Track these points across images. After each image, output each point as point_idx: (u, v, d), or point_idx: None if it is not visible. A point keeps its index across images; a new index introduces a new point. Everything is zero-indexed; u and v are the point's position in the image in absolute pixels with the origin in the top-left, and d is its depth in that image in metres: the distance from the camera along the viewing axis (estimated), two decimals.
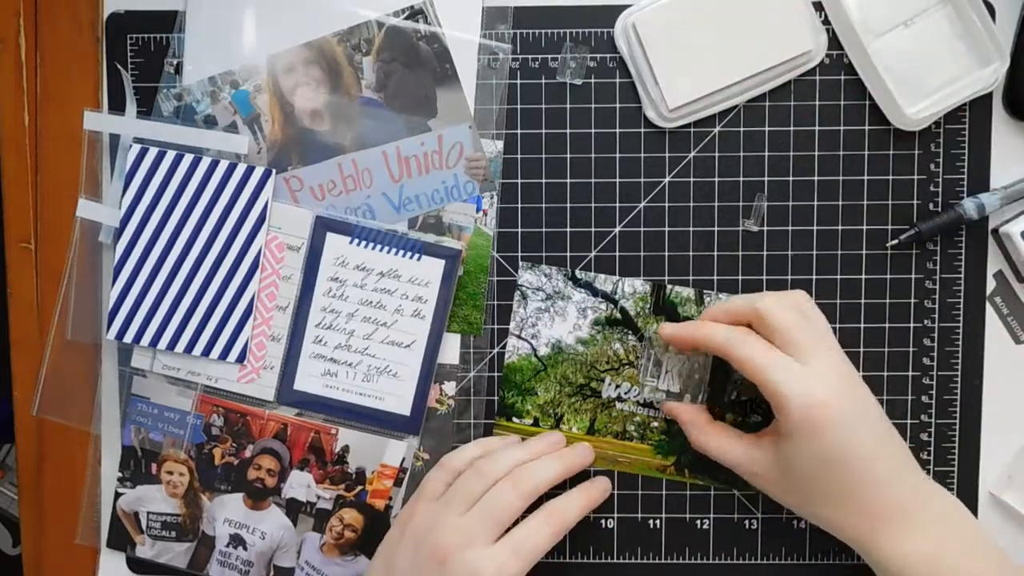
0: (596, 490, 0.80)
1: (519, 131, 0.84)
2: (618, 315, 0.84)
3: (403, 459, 0.84)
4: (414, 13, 0.82)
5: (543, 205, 0.84)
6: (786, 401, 0.71)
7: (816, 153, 0.83)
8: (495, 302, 0.85)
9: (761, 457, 0.77)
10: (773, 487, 0.77)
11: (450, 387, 0.85)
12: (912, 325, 0.84)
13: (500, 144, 0.83)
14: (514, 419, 0.85)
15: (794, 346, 0.73)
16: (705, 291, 0.84)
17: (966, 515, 0.74)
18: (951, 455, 0.84)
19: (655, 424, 0.85)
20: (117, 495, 0.86)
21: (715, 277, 0.84)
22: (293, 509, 0.85)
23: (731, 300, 0.79)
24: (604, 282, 0.84)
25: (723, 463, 0.79)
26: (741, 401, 0.84)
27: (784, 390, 0.71)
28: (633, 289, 0.84)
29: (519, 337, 0.85)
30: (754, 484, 0.78)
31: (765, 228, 0.83)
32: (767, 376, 0.72)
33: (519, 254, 0.84)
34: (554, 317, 0.85)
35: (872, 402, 0.74)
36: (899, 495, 0.72)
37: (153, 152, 0.82)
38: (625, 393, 0.85)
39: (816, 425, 0.70)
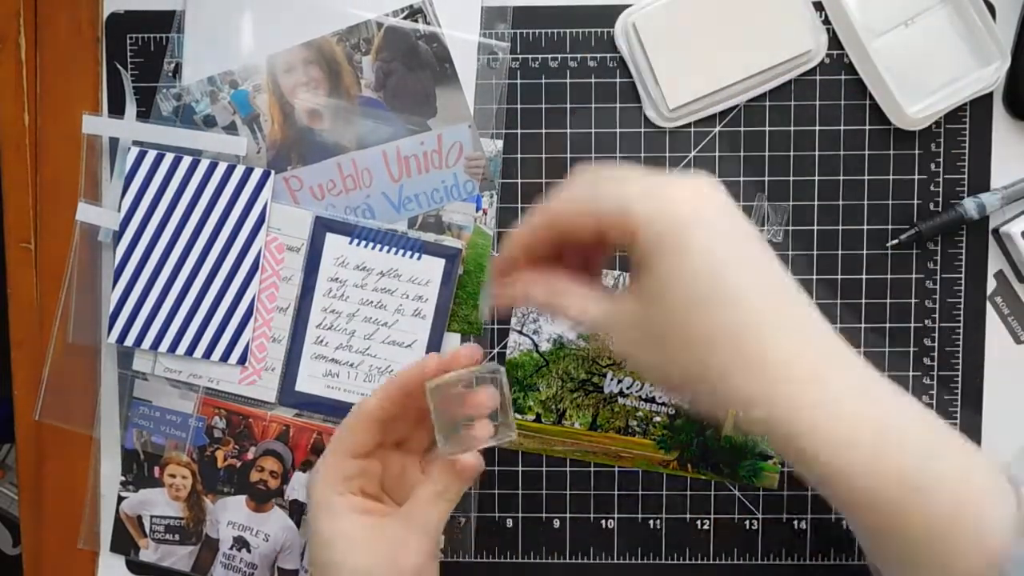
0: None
1: (519, 131, 0.84)
2: None
3: None
4: (413, 13, 0.82)
5: None
6: (635, 217, 0.53)
7: (816, 153, 0.83)
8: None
9: (627, 311, 0.56)
10: (645, 354, 0.56)
11: None
12: (913, 325, 0.84)
13: (500, 143, 0.84)
14: (516, 415, 0.86)
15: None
16: None
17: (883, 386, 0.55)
18: None
19: (658, 419, 0.85)
20: (120, 499, 0.87)
21: None
22: (296, 511, 0.85)
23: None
24: (605, 277, 0.84)
25: (585, 324, 0.58)
26: None
27: (632, 204, 0.53)
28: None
29: (520, 333, 0.85)
30: (626, 357, 0.57)
31: (765, 228, 0.83)
32: (612, 198, 0.54)
33: None
34: None
35: (755, 238, 0.55)
36: (805, 352, 0.53)
37: (152, 154, 0.82)
38: (627, 388, 0.85)
39: (676, 244, 0.52)
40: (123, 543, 0.87)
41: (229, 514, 0.86)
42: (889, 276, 0.84)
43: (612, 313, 0.57)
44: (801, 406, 0.52)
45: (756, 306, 0.52)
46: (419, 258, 0.83)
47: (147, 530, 0.87)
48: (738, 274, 0.53)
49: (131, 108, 0.84)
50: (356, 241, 0.83)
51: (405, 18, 0.82)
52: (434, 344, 0.84)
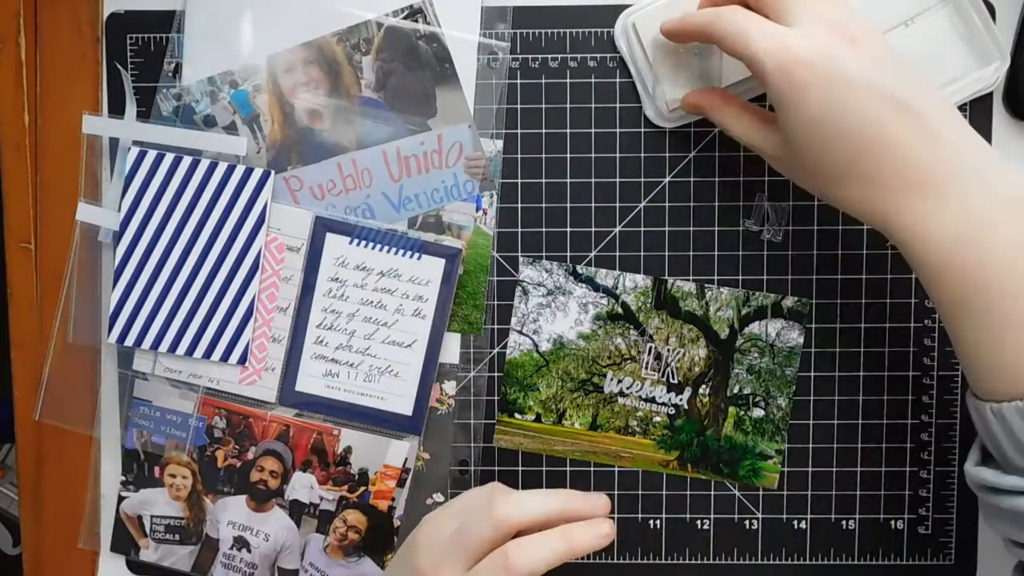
0: (582, 536, 0.68)
1: (519, 130, 0.83)
2: (619, 310, 0.84)
3: (405, 459, 0.84)
4: (413, 13, 0.82)
5: (543, 205, 0.84)
6: (760, 63, 0.66)
7: None
8: (495, 302, 0.85)
9: (774, 136, 0.72)
10: (788, 168, 0.73)
11: (450, 387, 0.85)
12: (912, 325, 0.83)
13: (500, 143, 0.83)
14: (516, 415, 0.85)
15: (781, 6, 0.67)
16: (706, 284, 0.84)
17: (1005, 177, 0.65)
18: (952, 455, 0.84)
19: (657, 419, 0.85)
20: (120, 499, 0.86)
21: (715, 276, 0.84)
22: (296, 511, 0.85)
23: None
24: (605, 277, 0.84)
25: (745, 144, 0.75)
26: (744, 395, 0.84)
27: (757, 49, 0.65)
28: (634, 284, 0.84)
29: (520, 333, 0.85)
30: (776, 168, 0.75)
31: (766, 227, 0.83)
32: (743, 41, 0.66)
33: (519, 254, 0.84)
34: (555, 312, 0.85)
35: (883, 55, 0.66)
36: (919, 164, 0.65)
37: (152, 155, 0.82)
38: (627, 388, 0.85)
39: (796, 88, 0.65)
40: (123, 543, 0.87)
41: (229, 514, 0.86)
42: (889, 276, 0.83)
43: (760, 139, 0.73)
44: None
45: (877, 146, 0.65)
46: (419, 258, 0.83)
47: (147, 530, 0.86)
48: (861, 121, 0.65)
49: (131, 108, 0.83)
50: (356, 241, 0.83)
51: (405, 18, 0.82)
52: (434, 344, 0.83)
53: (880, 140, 0.65)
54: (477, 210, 0.84)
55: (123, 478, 0.86)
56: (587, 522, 0.69)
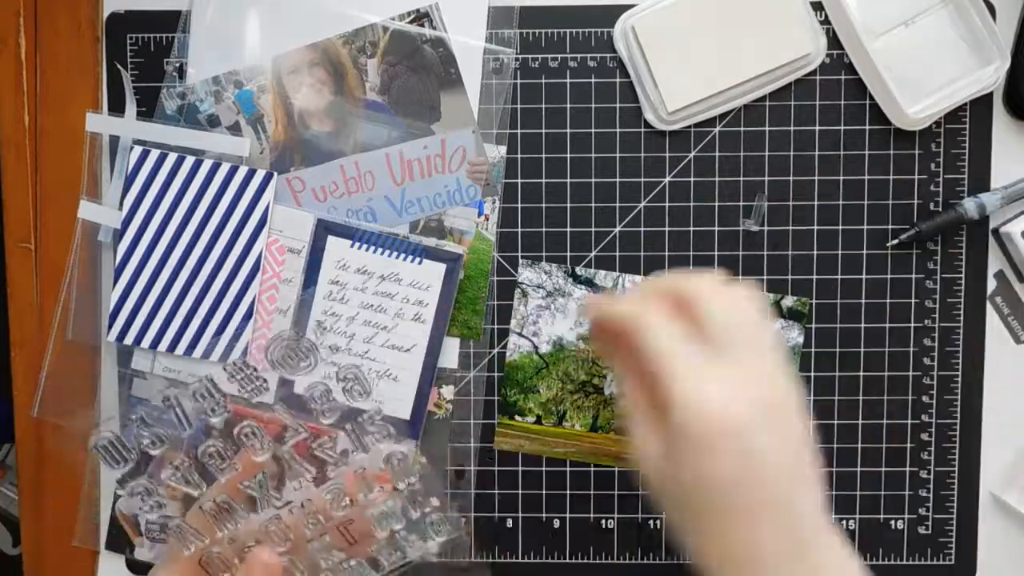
0: None
1: (519, 131, 0.80)
2: None
3: None
4: (419, 17, 0.78)
5: (543, 205, 0.80)
6: (672, 403, 0.54)
7: (816, 153, 0.79)
8: (495, 302, 0.81)
9: (657, 436, 0.57)
10: (651, 474, 0.58)
11: (448, 391, 0.81)
12: (912, 325, 0.80)
13: (503, 149, 0.80)
14: (516, 417, 0.81)
15: (715, 341, 0.55)
16: None
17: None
18: (951, 455, 0.81)
19: None
20: (116, 497, 0.83)
21: None
22: None
23: (661, 279, 0.61)
24: (605, 278, 0.80)
25: (621, 412, 0.65)
26: None
27: (674, 388, 0.54)
28: (634, 285, 0.80)
29: (520, 335, 0.81)
30: (637, 464, 0.59)
31: (765, 228, 0.79)
32: (662, 366, 0.54)
33: (519, 254, 0.80)
34: (555, 314, 0.81)
35: (792, 435, 0.55)
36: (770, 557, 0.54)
37: (155, 154, 0.78)
38: None
39: (703, 440, 0.53)
40: (118, 541, 0.83)
41: None
42: (889, 276, 0.80)
43: (645, 430, 0.58)
44: None
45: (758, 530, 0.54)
46: (420, 262, 0.79)
47: (142, 529, 0.81)
48: (749, 502, 0.53)
49: (131, 108, 0.80)
50: (357, 244, 0.79)
51: (411, 22, 0.79)
52: (433, 349, 0.80)
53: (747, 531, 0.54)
54: (479, 215, 0.80)
55: (119, 476, 0.82)
56: None
